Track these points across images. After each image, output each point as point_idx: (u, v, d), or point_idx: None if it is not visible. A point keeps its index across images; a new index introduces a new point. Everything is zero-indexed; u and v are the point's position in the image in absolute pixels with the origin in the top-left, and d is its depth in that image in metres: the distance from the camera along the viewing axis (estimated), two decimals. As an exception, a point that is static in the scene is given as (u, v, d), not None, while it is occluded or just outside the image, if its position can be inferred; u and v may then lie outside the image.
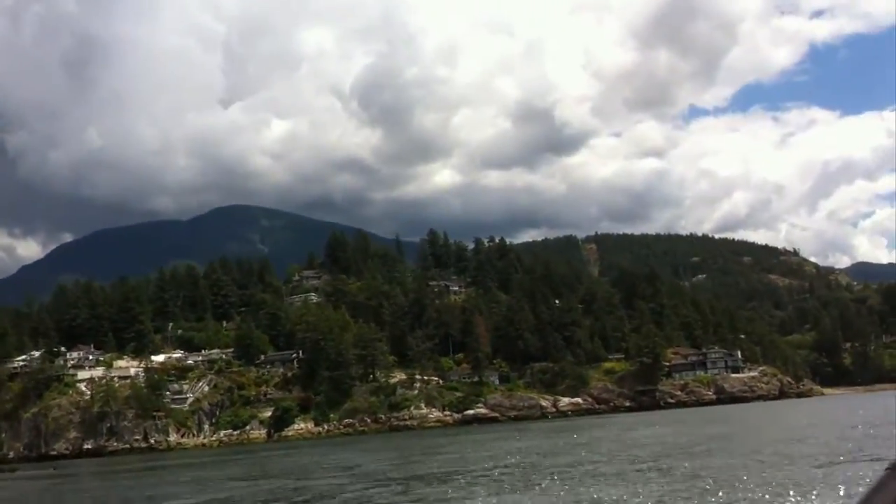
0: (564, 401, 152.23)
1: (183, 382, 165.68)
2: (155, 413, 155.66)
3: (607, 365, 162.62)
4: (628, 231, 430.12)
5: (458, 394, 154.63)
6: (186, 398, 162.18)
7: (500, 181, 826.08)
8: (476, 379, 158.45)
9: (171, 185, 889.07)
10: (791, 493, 26.60)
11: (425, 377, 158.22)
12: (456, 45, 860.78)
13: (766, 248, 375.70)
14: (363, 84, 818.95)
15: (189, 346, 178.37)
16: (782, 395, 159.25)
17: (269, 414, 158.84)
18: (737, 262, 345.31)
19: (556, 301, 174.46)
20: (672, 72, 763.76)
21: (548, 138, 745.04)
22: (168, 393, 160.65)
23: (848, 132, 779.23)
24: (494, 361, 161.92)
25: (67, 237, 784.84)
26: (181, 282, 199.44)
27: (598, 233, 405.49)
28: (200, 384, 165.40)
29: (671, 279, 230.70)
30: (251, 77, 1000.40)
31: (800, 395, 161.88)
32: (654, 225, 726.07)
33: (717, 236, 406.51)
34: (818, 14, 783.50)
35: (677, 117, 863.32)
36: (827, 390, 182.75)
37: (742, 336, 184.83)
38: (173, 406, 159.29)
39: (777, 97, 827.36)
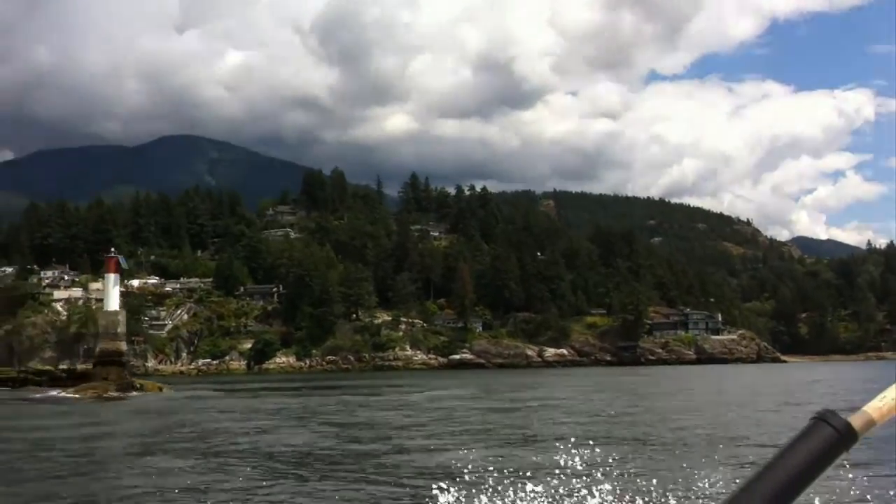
0: (550, 351, 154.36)
1: (161, 309, 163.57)
2: (134, 338, 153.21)
3: (589, 319, 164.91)
4: (577, 189, 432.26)
5: (443, 338, 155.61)
6: (165, 325, 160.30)
7: (454, 131, 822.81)
8: (461, 324, 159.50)
9: (118, 111, 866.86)
10: None
11: (410, 320, 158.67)
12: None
13: (720, 216, 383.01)
14: (324, 21, 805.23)
15: (164, 273, 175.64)
16: (759, 359, 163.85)
17: (249, 346, 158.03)
18: (692, 227, 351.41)
19: (539, 253, 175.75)
20: (636, 34, 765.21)
21: (505, 91, 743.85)
22: (146, 319, 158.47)
23: (799, 108, 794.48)
24: (477, 308, 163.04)
25: (8, 155, 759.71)
26: (155, 207, 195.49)
27: (557, 189, 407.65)
28: (179, 311, 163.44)
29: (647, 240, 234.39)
30: (209, 4, 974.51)
31: (774, 360, 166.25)
32: (602, 185, 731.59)
33: (672, 200, 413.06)
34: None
35: (636, 80, 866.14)
36: (785, 357, 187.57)
37: (712, 300, 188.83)
38: (151, 332, 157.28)
39: (734, 68, 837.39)
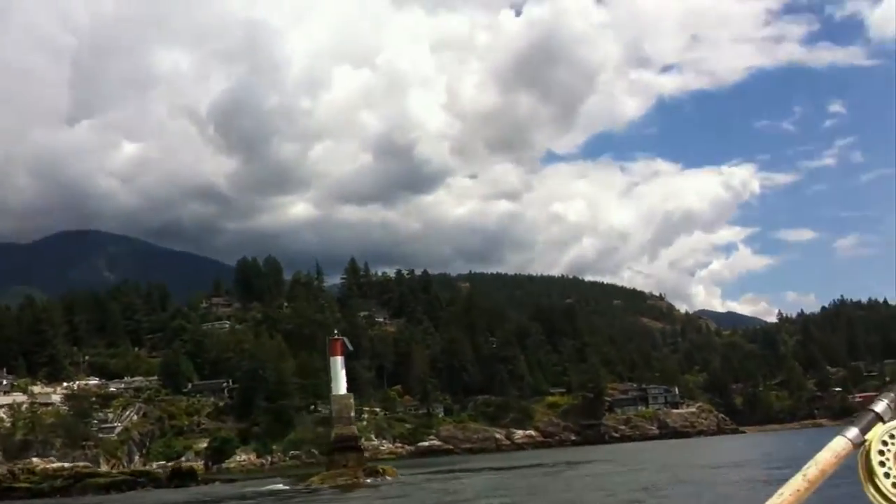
0: (519, 433, 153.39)
1: (107, 411, 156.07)
2: (84, 442, 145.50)
3: (550, 399, 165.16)
4: (482, 270, 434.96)
5: (408, 425, 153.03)
6: (114, 427, 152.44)
7: (356, 216, 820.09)
8: (423, 411, 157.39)
9: (10, 206, 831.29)
10: None
11: (371, 408, 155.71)
12: (319, 76, 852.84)
13: (633, 291, 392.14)
14: (221, 109, 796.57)
15: (103, 373, 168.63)
16: (720, 430, 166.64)
17: (204, 445, 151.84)
18: (608, 304, 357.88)
19: (490, 335, 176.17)
20: (532, 116, 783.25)
21: (406, 175, 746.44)
22: (95, 422, 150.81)
23: (689, 184, 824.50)
24: (437, 394, 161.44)
25: None
26: (86, 305, 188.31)
27: (472, 271, 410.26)
28: (128, 413, 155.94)
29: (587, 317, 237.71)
30: (101, 95, 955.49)
31: (734, 432, 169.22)
32: (506, 266, 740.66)
33: (586, 278, 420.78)
34: (667, 69, 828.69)
35: (534, 161, 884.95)
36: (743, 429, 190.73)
37: (657, 374, 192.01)
38: (101, 435, 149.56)
39: (625, 147, 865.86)
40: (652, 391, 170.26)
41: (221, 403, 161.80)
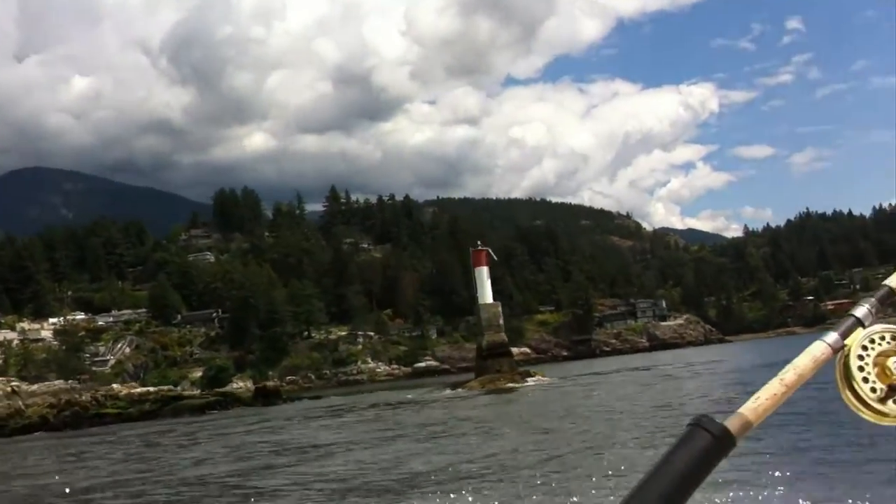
0: (514, 350, 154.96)
1: (98, 344, 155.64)
2: (79, 377, 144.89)
3: (540, 317, 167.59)
4: (443, 196, 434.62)
5: (403, 348, 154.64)
6: (107, 360, 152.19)
7: (315, 146, 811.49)
8: (416, 333, 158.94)
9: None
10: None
11: (365, 333, 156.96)
12: (272, 5, 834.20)
13: (601, 211, 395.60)
14: (173, 41, 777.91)
15: (89, 308, 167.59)
16: (707, 341, 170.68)
17: (199, 374, 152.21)
18: (577, 224, 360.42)
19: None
20: (491, 40, 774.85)
21: (365, 103, 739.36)
22: (87, 356, 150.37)
23: (648, 105, 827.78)
24: (428, 316, 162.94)
25: None
26: (65, 241, 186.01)
27: (440, 196, 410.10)
28: (120, 345, 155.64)
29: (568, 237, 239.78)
30: (49, 30, 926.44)
31: (720, 342, 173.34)
32: (467, 191, 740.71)
33: (553, 200, 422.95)
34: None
35: (494, 85, 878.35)
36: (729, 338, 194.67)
37: (636, 290, 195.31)
38: (94, 369, 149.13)
39: (584, 69, 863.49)
40: (640, 305, 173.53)
41: (213, 333, 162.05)
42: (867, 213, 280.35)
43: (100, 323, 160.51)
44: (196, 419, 70.67)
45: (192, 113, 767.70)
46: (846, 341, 1.75)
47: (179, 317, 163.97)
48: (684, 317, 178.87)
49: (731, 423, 1.67)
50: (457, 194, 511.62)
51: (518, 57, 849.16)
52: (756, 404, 1.70)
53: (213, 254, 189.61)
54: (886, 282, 1.86)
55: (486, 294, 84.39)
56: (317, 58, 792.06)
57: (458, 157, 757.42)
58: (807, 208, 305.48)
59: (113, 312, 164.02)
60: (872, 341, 1.77)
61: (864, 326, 1.78)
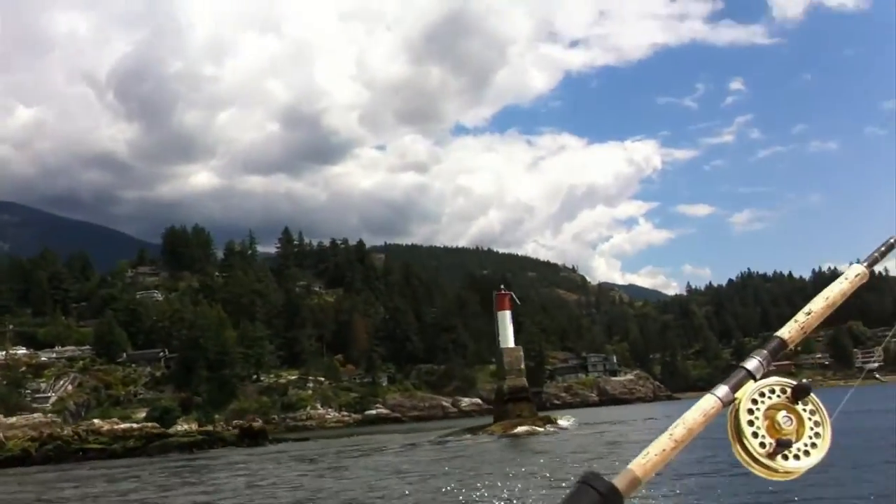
0: (466, 401, 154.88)
1: (40, 381, 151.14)
2: (19, 413, 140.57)
3: (492, 367, 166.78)
4: (389, 242, 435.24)
5: (354, 394, 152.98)
6: (48, 397, 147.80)
7: (261, 186, 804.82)
8: (367, 380, 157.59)
9: None
10: None
11: (316, 378, 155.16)
12: (224, 42, 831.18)
13: (547, 264, 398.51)
14: (121, 74, 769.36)
15: (32, 343, 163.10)
16: (655, 397, 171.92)
17: (143, 415, 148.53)
18: (524, 276, 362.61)
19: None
20: (442, 88, 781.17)
21: (313, 145, 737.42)
22: (28, 391, 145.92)
23: (593, 159, 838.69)
24: (380, 363, 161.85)
25: None
26: (9, 273, 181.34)
27: (387, 242, 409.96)
28: (63, 382, 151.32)
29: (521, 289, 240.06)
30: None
31: (668, 398, 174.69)
32: (413, 237, 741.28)
33: (499, 250, 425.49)
34: (575, 44, 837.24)
35: (443, 133, 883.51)
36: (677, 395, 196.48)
37: (586, 343, 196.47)
38: (35, 405, 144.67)
39: (532, 121, 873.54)
40: (591, 359, 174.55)
41: (158, 373, 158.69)
42: (807, 275, 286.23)
43: (42, 359, 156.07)
44: (196, 456, 69.41)
45: (137, 148, 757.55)
46: (737, 395, 1.75)
47: (125, 355, 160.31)
48: (634, 372, 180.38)
49: (619, 481, 1.63)
50: (403, 240, 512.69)
51: (468, 106, 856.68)
52: (645, 460, 1.67)
53: (161, 292, 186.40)
54: (778, 333, 1.89)
55: (509, 338, 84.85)
56: (267, 97, 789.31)
57: (405, 203, 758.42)
58: (748, 268, 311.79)
59: (56, 348, 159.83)
60: (763, 395, 1.77)
61: (755, 379, 1.79)
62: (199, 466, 55.77)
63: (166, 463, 62.39)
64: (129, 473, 52.58)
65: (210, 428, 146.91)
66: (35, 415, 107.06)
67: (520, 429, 70.81)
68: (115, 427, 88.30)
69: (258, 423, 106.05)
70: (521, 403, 78.77)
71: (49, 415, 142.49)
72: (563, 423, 77.15)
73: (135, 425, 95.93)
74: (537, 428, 71.81)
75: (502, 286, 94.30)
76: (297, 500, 32.62)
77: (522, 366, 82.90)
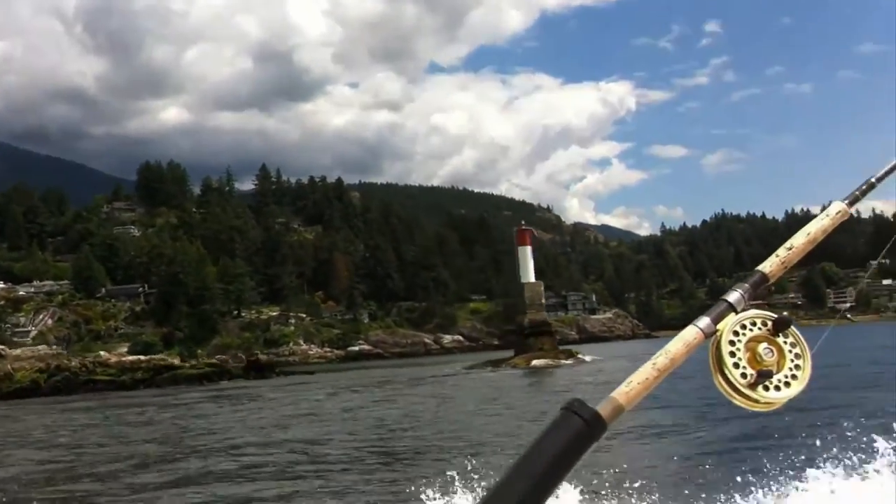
0: (447, 338, 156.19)
1: (19, 315, 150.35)
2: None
3: (472, 305, 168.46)
4: (362, 180, 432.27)
5: (336, 331, 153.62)
6: (29, 331, 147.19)
7: (232, 123, 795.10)
8: (349, 317, 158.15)
9: None
10: None
11: (298, 314, 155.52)
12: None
13: (522, 203, 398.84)
14: (90, 8, 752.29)
15: (9, 277, 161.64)
16: (634, 335, 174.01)
17: (125, 349, 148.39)
18: (500, 215, 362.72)
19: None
20: (417, 25, 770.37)
21: (285, 82, 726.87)
22: (8, 326, 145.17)
23: (568, 100, 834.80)
24: (363, 300, 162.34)
25: None
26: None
27: (362, 181, 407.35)
28: (42, 317, 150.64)
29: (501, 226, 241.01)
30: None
31: (647, 336, 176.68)
32: (386, 176, 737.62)
33: (476, 190, 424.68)
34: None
35: (417, 71, 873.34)
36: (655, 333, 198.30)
37: (565, 282, 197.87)
38: (15, 339, 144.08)
39: (507, 61, 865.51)
40: (571, 298, 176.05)
41: (138, 308, 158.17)
42: (780, 216, 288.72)
43: (20, 293, 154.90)
44: (208, 388, 69.75)
45: (105, 83, 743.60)
46: (718, 326, 1.76)
47: (104, 290, 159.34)
48: (613, 311, 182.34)
49: (603, 409, 1.66)
50: (376, 178, 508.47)
51: (442, 44, 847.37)
52: (628, 388, 1.70)
53: (138, 227, 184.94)
54: (759, 267, 1.90)
55: (529, 273, 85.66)
56: (238, 33, 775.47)
57: (378, 141, 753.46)
58: (721, 210, 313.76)
59: (34, 283, 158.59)
60: (744, 327, 1.78)
61: (736, 312, 1.79)
62: (240, 395, 55.68)
63: (190, 393, 62.57)
64: (167, 402, 52.72)
65: (190, 363, 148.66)
66: (40, 347, 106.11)
67: (540, 361, 71.68)
68: (124, 359, 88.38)
69: (264, 357, 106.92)
70: (543, 337, 79.57)
71: (53, 346, 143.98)
72: (584, 357, 77.69)
73: (142, 357, 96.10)
74: (563, 360, 72.66)
75: (522, 222, 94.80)
76: (402, 415, 33.49)
77: (543, 300, 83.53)
